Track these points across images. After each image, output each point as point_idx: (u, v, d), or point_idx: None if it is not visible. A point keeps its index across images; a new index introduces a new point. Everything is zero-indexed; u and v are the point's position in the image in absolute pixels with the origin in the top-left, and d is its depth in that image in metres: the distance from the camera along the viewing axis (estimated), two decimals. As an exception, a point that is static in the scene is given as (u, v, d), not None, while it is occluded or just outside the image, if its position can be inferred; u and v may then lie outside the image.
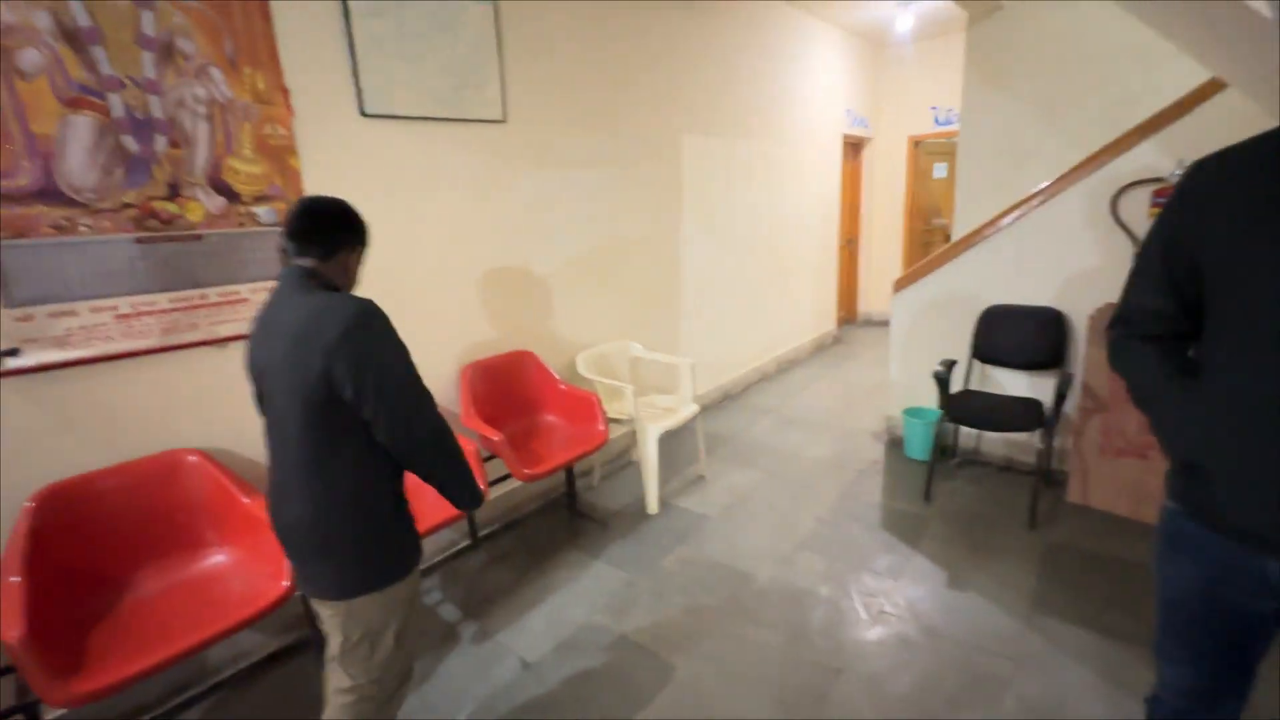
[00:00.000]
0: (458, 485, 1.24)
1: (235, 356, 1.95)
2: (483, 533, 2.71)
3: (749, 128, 4.25)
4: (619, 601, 2.25)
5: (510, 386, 2.73)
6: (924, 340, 3.31)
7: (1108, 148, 2.66)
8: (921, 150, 6.07)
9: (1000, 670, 1.84)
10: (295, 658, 2.03)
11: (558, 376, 2.81)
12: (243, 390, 1.98)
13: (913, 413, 3.30)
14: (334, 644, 1.22)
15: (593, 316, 3.23)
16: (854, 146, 6.12)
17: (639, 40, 3.24)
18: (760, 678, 1.86)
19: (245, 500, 1.80)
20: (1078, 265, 2.78)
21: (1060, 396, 2.49)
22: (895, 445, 3.45)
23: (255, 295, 1.95)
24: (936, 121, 5.83)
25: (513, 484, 2.75)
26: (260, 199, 1.93)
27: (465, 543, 2.62)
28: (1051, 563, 2.33)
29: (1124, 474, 2.59)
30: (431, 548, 2.53)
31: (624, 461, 3.40)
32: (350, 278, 1.25)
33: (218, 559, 1.84)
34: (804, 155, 4.98)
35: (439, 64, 2.34)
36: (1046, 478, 2.62)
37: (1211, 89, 2.37)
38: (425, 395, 1.16)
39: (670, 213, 3.66)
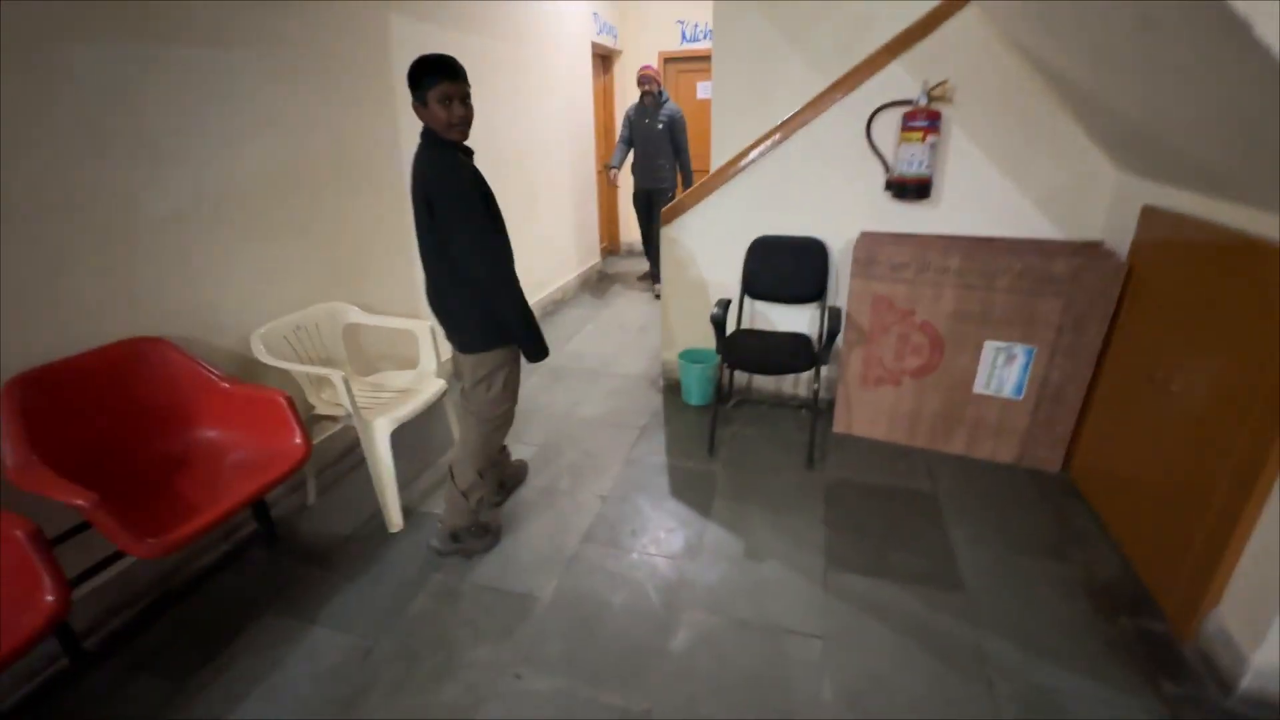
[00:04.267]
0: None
1: None
2: (110, 628, 1.74)
3: (480, 19, 3.41)
4: (349, 686, 1.59)
5: (129, 399, 1.72)
6: (697, 277, 3.05)
7: (859, 68, 2.52)
8: (676, 68, 5.76)
9: (813, 654, 1.66)
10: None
11: (217, 372, 1.87)
12: None
13: (690, 355, 3.07)
14: (466, 382, 1.92)
15: (277, 275, 2.26)
16: (604, 59, 5.59)
17: None
18: (552, 757, 1.42)
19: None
20: (837, 192, 2.69)
21: (832, 333, 2.39)
22: (673, 390, 3.23)
23: None
24: (684, 37, 5.56)
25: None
26: None
27: (64, 662, 1.63)
28: (833, 505, 2.28)
29: (881, 401, 2.67)
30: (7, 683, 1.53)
31: (356, 459, 2.59)
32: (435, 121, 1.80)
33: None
34: (551, 61, 4.30)
35: None
36: (814, 409, 2.58)
37: (952, 8, 2.31)
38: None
39: (383, 124, 2.74)
